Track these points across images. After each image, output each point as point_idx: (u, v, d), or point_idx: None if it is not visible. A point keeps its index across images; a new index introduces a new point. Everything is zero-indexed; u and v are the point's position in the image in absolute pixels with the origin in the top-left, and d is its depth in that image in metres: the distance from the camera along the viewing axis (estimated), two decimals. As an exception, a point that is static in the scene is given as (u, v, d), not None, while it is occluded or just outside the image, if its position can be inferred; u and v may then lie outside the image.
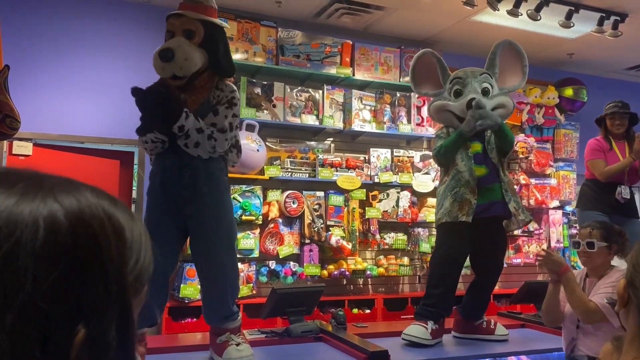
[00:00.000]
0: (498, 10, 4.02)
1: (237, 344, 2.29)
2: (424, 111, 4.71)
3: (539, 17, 4.13)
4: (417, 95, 4.69)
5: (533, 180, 5.13)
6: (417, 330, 2.68)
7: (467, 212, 2.75)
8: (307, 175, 4.29)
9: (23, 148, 3.75)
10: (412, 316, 2.95)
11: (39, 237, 0.46)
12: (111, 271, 0.50)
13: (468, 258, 2.94)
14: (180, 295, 3.76)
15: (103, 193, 0.55)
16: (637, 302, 0.88)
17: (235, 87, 2.37)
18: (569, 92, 5.31)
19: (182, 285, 3.78)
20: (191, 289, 3.78)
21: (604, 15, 4.29)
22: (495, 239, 2.92)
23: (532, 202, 5.09)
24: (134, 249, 0.54)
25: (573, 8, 4.17)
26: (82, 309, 0.47)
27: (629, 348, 0.90)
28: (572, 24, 4.25)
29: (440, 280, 2.81)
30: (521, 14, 4.08)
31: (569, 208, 5.31)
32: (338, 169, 4.35)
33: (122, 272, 0.51)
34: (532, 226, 5.15)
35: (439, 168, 3.13)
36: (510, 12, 4.07)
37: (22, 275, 0.45)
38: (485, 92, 2.89)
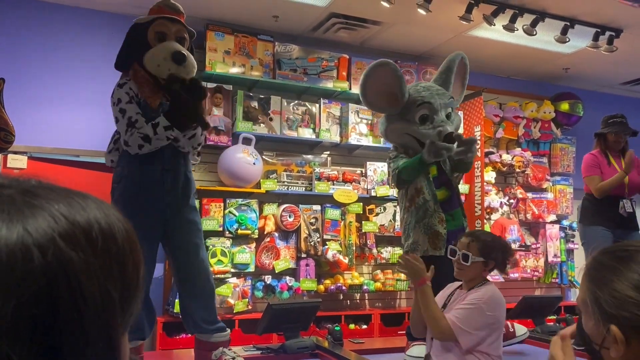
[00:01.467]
0: (494, 25, 4.04)
1: (233, 358, 2.28)
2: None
3: (534, 32, 4.15)
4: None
5: (530, 195, 5.13)
6: (421, 350, 2.64)
7: (438, 245, 2.67)
8: (304, 188, 4.27)
9: (17, 161, 3.73)
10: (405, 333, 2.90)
11: (15, 295, 0.39)
12: (98, 327, 0.43)
13: None
14: (174, 311, 3.72)
15: (77, 199, 0.47)
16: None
17: None
18: (564, 106, 5.33)
19: (176, 300, 3.73)
20: (186, 304, 3.74)
21: (599, 30, 4.32)
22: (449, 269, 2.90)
23: (529, 216, 5.08)
24: (126, 278, 0.48)
25: (568, 23, 4.20)
26: None
27: None
28: (567, 39, 4.28)
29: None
30: (517, 29, 4.10)
31: (565, 222, 5.30)
32: (335, 182, 4.34)
33: (111, 322, 0.45)
34: (529, 240, 5.14)
35: (397, 191, 2.96)
36: (506, 27, 4.09)
37: None
38: (448, 117, 2.82)
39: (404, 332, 2.88)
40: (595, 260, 0.92)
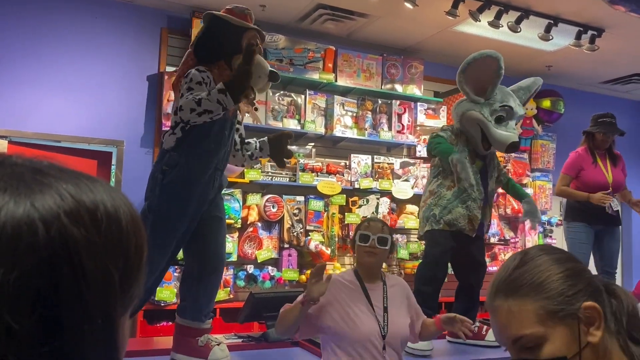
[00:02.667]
0: (479, 21, 4.08)
1: (218, 344, 2.31)
2: (405, 119, 4.75)
3: (519, 29, 4.20)
4: (398, 103, 4.73)
5: (510, 190, 5.20)
6: (425, 344, 2.67)
7: (473, 228, 2.91)
8: (288, 179, 4.28)
9: (-2, 146, 3.67)
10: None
11: (17, 266, 0.40)
12: (98, 305, 0.44)
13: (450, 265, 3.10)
14: (156, 299, 3.72)
15: (85, 180, 0.48)
16: (612, 309, 0.88)
17: None
18: (546, 103, 5.40)
19: (158, 288, 3.73)
20: (167, 292, 3.74)
21: (581, 29, 4.39)
22: (481, 245, 3.11)
23: (508, 211, 5.16)
24: (128, 260, 0.48)
25: (552, 21, 4.26)
26: (62, 355, 0.42)
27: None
28: (551, 37, 4.34)
29: (431, 281, 2.89)
30: (502, 26, 4.15)
31: (544, 217, 5.39)
32: (319, 174, 4.36)
33: (110, 301, 0.46)
34: (508, 234, 5.22)
35: (435, 164, 3.08)
36: (491, 24, 4.13)
37: None
38: (514, 130, 3.01)
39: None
40: (506, 275, 0.93)
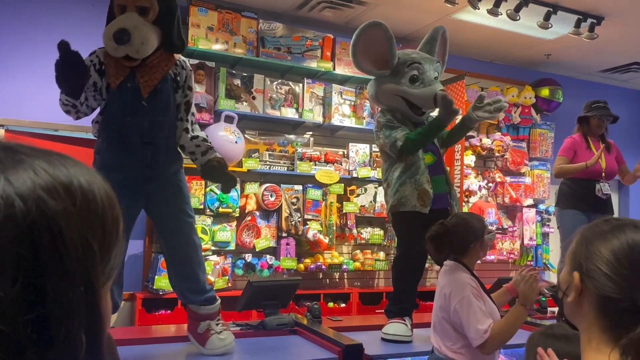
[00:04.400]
0: (478, 9, 4.05)
1: (219, 332, 2.28)
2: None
3: (518, 17, 4.18)
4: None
5: (508, 179, 5.21)
6: (397, 328, 2.68)
7: (425, 203, 2.68)
8: (286, 168, 4.28)
9: (-6, 134, 3.66)
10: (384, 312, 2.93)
11: None
12: (79, 272, 0.45)
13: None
14: (154, 287, 3.73)
15: (57, 157, 0.49)
16: (597, 291, 0.92)
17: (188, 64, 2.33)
18: (545, 92, 5.39)
19: (156, 277, 3.74)
20: (165, 281, 3.74)
21: (581, 17, 4.36)
22: None
23: (506, 199, 5.17)
24: (105, 231, 0.49)
25: (551, 9, 4.24)
26: (47, 321, 0.43)
27: (589, 336, 0.94)
28: (550, 25, 4.32)
29: (409, 275, 2.80)
30: (501, 14, 4.12)
31: (542, 206, 5.41)
32: (317, 163, 4.35)
33: (91, 269, 0.47)
34: (506, 223, 5.24)
35: (381, 145, 2.86)
36: (490, 12, 4.11)
37: None
38: (436, 81, 2.83)
39: (382, 310, 2.93)
40: (593, 224, 1.00)
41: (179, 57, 2.30)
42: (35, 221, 0.43)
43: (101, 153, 2.19)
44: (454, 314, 2.02)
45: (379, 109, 2.96)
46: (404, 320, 2.72)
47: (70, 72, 1.93)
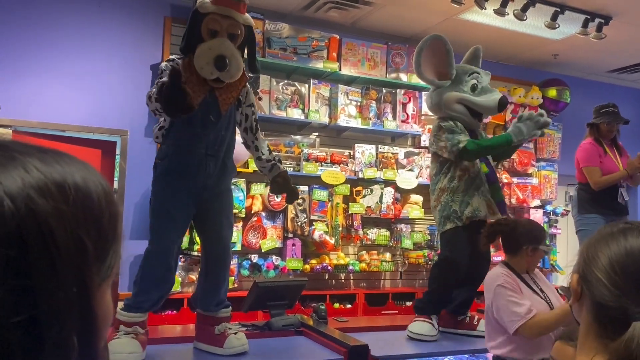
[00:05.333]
0: (485, 9, 4.04)
1: (235, 333, 2.34)
2: (409, 108, 4.73)
3: (525, 17, 4.16)
4: (402, 92, 4.71)
5: (515, 179, 5.19)
6: (422, 327, 2.73)
7: (494, 211, 2.82)
8: (292, 169, 4.28)
9: (2, 135, 3.68)
10: (396, 311, 2.98)
11: None
12: (71, 273, 0.44)
13: None
14: (160, 287, 3.73)
15: (51, 155, 0.48)
16: (591, 296, 0.89)
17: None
18: (552, 92, 5.36)
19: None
20: (172, 281, 3.75)
21: (588, 17, 4.34)
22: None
23: (513, 200, 5.14)
24: (101, 229, 0.48)
25: (559, 9, 4.21)
26: (37, 324, 0.42)
27: (584, 340, 0.92)
28: (557, 25, 4.29)
29: (450, 278, 2.83)
30: (508, 14, 4.11)
31: (549, 207, 5.37)
32: (323, 163, 4.35)
33: (84, 270, 0.46)
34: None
35: (438, 161, 2.96)
36: (497, 12, 4.09)
37: None
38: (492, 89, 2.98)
39: (388, 311, 2.94)
40: (602, 227, 0.98)
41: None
42: (24, 221, 0.42)
43: (166, 159, 2.27)
44: (491, 306, 2.22)
45: (439, 116, 3.04)
46: (431, 319, 2.75)
47: (179, 100, 2.00)
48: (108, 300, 0.51)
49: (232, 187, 4.01)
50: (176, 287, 3.76)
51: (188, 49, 2.23)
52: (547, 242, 2.42)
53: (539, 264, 5.20)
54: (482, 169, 2.87)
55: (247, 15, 2.30)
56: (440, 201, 2.90)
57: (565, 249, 5.66)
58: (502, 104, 2.85)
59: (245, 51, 2.37)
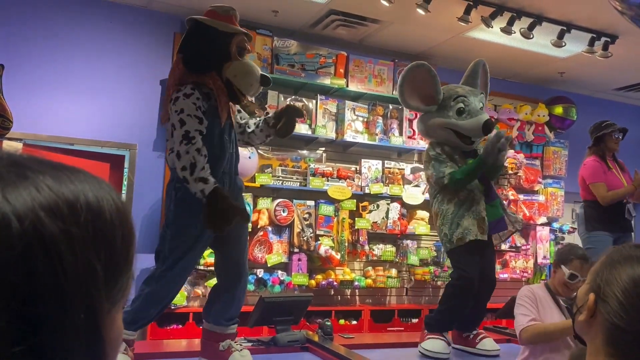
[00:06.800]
0: (492, 27, 4.07)
1: (240, 350, 2.34)
2: (416, 124, 4.74)
3: (531, 36, 4.18)
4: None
5: (521, 196, 5.18)
6: (435, 344, 2.73)
7: (485, 230, 2.83)
8: (298, 184, 4.29)
9: (12, 148, 3.72)
10: (402, 328, 2.98)
11: None
12: (79, 298, 0.42)
13: None
14: (166, 301, 3.73)
15: (66, 172, 0.46)
16: (607, 317, 0.89)
17: None
18: (559, 110, 5.37)
19: (168, 291, 3.75)
20: (177, 296, 3.74)
21: (594, 36, 4.36)
22: (491, 254, 2.99)
23: (519, 217, 5.13)
24: (113, 251, 0.46)
25: (565, 28, 4.24)
26: (42, 353, 0.40)
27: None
28: (563, 44, 4.31)
29: (460, 297, 2.82)
30: (514, 32, 4.14)
31: (556, 224, 5.35)
32: (329, 178, 4.36)
33: (93, 294, 0.43)
34: (520, 242, 5.19)
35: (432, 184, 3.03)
36: (503, 30, 4.12)
37: None
38: (482, 111, 2.96)
39: (394, 328, 2.93)
40: (622, 246, 0.98)
41: None
42: (31, 244, 0.40)
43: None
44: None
45: (429, 141, 3.07)
46: (443, 337, 2.74)
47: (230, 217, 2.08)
48: (118, 324, 0.49)
49: (239, 201, 4.04)
50: (182, 302, 3.76)
51: (207, 68, 2.23)
52: (575, 273, 2.41)
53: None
54: (477, 188, 2.87)
55: None
56: (437, 226, 2.96)
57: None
58: (487, 126, 2.82)
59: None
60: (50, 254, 0.41)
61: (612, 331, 0.87)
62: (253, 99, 4.24)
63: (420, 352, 2.75)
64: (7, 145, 3.69)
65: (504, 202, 3.11)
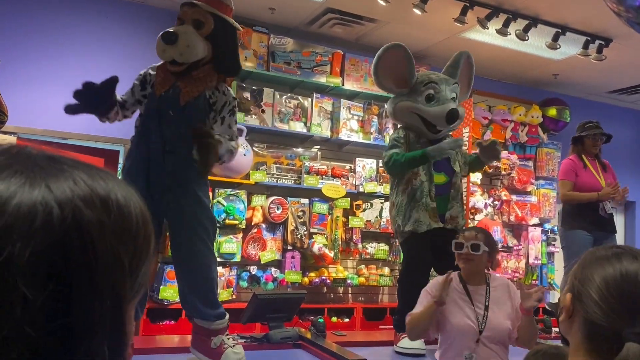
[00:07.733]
0: (487, 28, 4.09)
1: (232, 346, 2.30)
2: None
3: (526, 38, 4.21)
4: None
5: (514, 197, 5.21)
6: (412, 342, 2.71)
7: (436, 219, 2.84)
8: (293, 181, 4.30)
9: (6, 142, 3.70)
10: (392, 326, 2.97)
11: (32, 243, 0.42)
12: (107, 285, 0.45)
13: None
14: (159, 297, 3.73)
15: (96, 171, 0.50)
16: (584, 315, 0.93)
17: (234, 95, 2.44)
18: (552, 112, 5.41)
19: (161, 287, 3.75)
20: (170, 291, 3.75)
21: (589, 39, 4.39)
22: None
23: (512, 218, 5.16)
24: (137, 247, 0.49)
25: (560, 30, 4.27)
26: (71, 332, 0.43)
27: (574, 357, 0.95)
28: (558, 46, 4.35)
29: (417, 289, 2.81)
30: (510, 34, 4.16)
31: (548, 225, 5.39)
32: (324, 177, 4.37)
33: (119, 284, 0.47)
34: (512, 242, 5.22)
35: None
36: (499, 31, 4.15)
37: (11, 297, 0.41)
38: (452, 101, 2.96)
39: (386, 326, 2.95)
40: (596, 248, 1.03)
41: (229, 82, 2.43)
42: (70, 231, 0.44)
43: (128, 159, 2.30)
44: None
45: (398, 126, 3.06)
46: None
47: (89, 101, 2.15)
48: (132, 318, 0.52)
49: (233, 198, 4.05)
50: (174, 297, 3.76)
51: None
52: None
53: (536, 282, 5.19)
54: (427, 181, 2.86)
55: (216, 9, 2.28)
56: (391, 216, 2.97)
57: (563, 267, 5.66)
58: (451, 115, 2.81)
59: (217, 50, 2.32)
60: (85, 241, 0.44)
61: (589, 327, 0.92)
62: (249, 95, 4.25)
63: (397, 352, 2.74)
64: (1, 138, 3.67)
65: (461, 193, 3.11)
